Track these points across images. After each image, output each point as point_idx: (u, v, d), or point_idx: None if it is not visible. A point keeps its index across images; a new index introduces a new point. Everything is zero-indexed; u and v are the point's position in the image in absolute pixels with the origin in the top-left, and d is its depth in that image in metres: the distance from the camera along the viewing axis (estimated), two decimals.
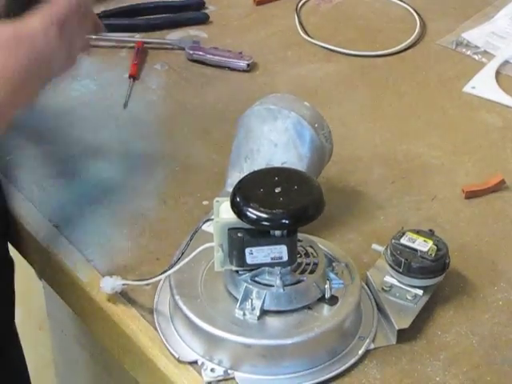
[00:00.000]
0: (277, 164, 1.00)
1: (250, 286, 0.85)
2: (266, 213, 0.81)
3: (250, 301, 0.85)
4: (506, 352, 0.89)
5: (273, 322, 0.86)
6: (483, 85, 1.32)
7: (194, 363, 0.87)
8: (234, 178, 1.00)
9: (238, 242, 0.83)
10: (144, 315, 0.94)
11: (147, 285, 0.94)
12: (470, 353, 0.89)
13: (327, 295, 0.87)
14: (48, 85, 0.92)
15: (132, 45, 1.41)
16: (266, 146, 1.02)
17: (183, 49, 1.39)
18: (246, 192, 0.84)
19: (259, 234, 0.82)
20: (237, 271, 0.87)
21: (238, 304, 0.86)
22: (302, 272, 0.87)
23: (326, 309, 0.87)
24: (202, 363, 0.87)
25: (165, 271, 0.91)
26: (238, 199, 0.83)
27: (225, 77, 1.35)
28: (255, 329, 0.85)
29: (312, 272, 0.86)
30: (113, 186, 1.12)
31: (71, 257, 1.02)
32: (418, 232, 0.94)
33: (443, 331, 0.91)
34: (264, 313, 0.86)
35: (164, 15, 1.50)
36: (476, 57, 1.39)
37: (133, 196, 1.11)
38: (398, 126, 1.24)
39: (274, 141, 1.01)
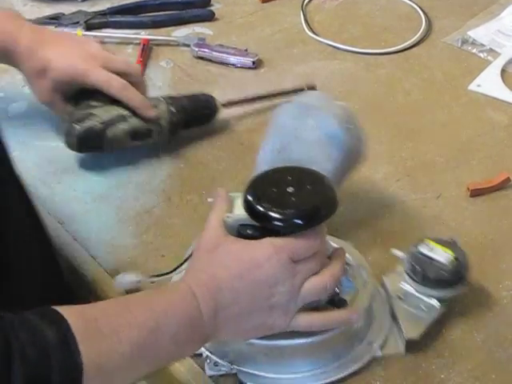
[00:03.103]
0: (305, 162, 0.96)
1: None
2: (278, 213, 0.80)
3: None
4: (510, 350, 0.89)
5: None
6: (489, 83, 1.31)
7: (198, 356, 0.87)
8: (259, 168, 0.98)
9: (247, 239, 0.82)
10: None
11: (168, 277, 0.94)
12: (474, 350, 0.89)
13: (336, 298, 0.86)
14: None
15: (137, 42, 1.41)
16: (296, 142, 0.99)
17: (189, 46, 1.39)
18: (259, 191, 0.83)
19: (269, 232, 0.81)
20: None
21: None
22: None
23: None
24: (207, 356, 0.86)
25: (178, 266, 0.91)
26: (249, 198, 0.82)
27: (230, 74, 1.35)
28: None
29: None
30: (118, 183, 1.12)
31: (76, 254, 1.02)
32: (438, 241, 0.91)
33: (448, 329, 0.91)
34: None
35: (169, 12, 1.50)
36: (482, 55, 1.39)
37: (138, 193, 1.11)
38: (404, 123, 1.24)
39: (304, 138, 0.99)
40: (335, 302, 0.86)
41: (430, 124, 1.24)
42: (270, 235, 0.81)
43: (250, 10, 1.53)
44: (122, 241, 1.04)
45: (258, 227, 0.82)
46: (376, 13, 1.52)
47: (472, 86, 1.31)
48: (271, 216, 0.80)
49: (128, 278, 0.95)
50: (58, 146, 1.18)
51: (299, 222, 0.80)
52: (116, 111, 1.13)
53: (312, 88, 1.28)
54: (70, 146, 1.13)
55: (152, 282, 0.94)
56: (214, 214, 0.85)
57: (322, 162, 0.97)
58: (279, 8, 1.54)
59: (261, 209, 0.81)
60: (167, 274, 0.93)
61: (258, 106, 1.25)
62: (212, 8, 1.52)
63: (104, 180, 1.12)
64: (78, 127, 1.11)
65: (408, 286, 0.91)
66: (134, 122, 1.13)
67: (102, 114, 1.13)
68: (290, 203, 0.81)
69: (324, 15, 1.51)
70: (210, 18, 1.50)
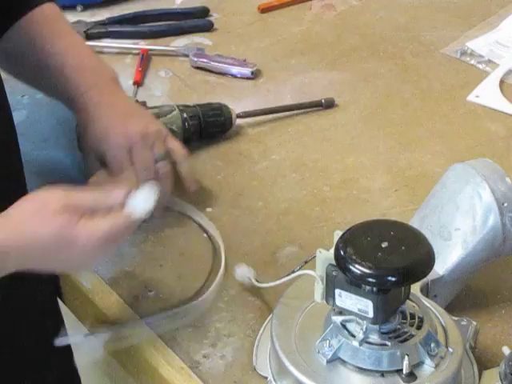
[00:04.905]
0: (450, 228, 0.93)
1: (335, 328, 0.82)
2: (358, 263, 0.77)
3: (328, 341, 0.81)
4: None
5: (341, 372, 0.81)
6: (487, 94, 1.32)
7: (265, 378, 0.86)
8: (414, 218, 0.98)
9: (331, 280, 0.81)
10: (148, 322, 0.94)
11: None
12: None
13: (404, 371, 0.79)
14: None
15: (136, 52, 1.41)
16: (449, 206, 0.95)
17: (187, 56, 1.40)
18: (351, 239, 0.80)
19: (351, 281, 0.79)
20: (335, 309, 0.83)
21: (319, 340, 0.82)
22: (395, 337, 0.81)
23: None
24: (269, 382, 0.85)
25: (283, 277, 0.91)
26: (340, 244, 0.80)
27: (229, 84, 1.35)
28: (319, 369, 0.81)
29: (403, 341, 0.80)
30: None
31: None
32: None
33: None
34: (338, 359, 0.81)
35: (168, 22, 1.51)
36: (480, 66, 1.39)
37: None
38: (402, 134, 1.24)
39: (457, 203, 0.94)
40: (403, 374, 0.80)
41: (428, 134, 1.24)
42: (351, 284, 0.79)
43: (248, 20, 1.53)
44: (120, 250, 1.03)
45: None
46: (374, 23, 1.52)
47: (470, 97, 1.31)
48: (348, 268, 0.77)
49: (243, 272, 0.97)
50: (57, 155, 1.18)
51: (374, 280, 0.77)
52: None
53: (330, 103, 1.29)
54: (82, 150, 1.14)
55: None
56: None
57: (467, 234, 0.92)
58: (278, 18, 1.54)
59: (345, 258, 0.78)
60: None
61: (258, 117, 1.26)
62: (211, 18, 1.52)
63: None
64: None
65: None
66: None
67: None
68: (376, 259, 0.77)
69: (322, 25, 1.52)
70: (208, 28, 1.50)
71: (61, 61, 1.06)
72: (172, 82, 1.35)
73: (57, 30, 1.09)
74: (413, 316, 0.83)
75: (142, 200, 0.86)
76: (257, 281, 0.96)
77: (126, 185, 0.89)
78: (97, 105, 1.04)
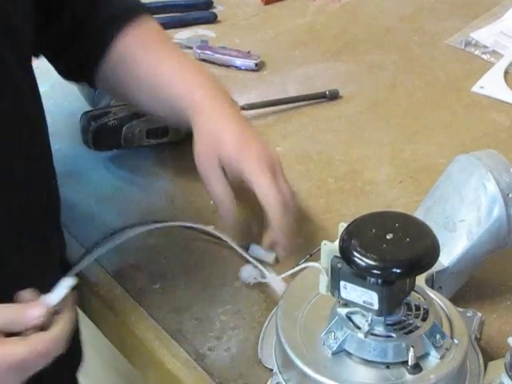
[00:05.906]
0: (455, 219, 0.93)
1: (340, 320, 0.82)
2: (362, 257, 0.76)
3: (333, 334, 0.81)
4: None
5: (346, 364, 0.81)
6: (492, 84, 1.31)
7: (270, 370, 0.86)
8: (418, 210, 0.98)
9: (335, 272, 0.80)
10: (152, 314, 0.94)
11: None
12: None
13: (410, 362, 0.79)
14: None
15: None
16: (454, 197, 0.95)
17: (191, 48, 1.40)
18: (356, 231, 0.79)
19: (356, 273, 0.79)
20: (340, 301, 0.83)
21: (324, 332, 0.82)
22: (400, 329, 0.80)
23: (405, 376, 0.79)
24: (275, 374, 0.85)
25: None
26: (344, 236, 0.79)
27: (233, 76, 1.35)
28: (324, 361, 0.80)
29: (408, 332, 0.80)
30: (121, 186, 1.12)
31: (78, 256, 1.02)
32: None
33: None
34: (343, 351, 0.81)
35: (172, 15, 1.51)
36: (485, 56, 1.39)
37: (141, 196, 1.11)
38: (406, 125, 1.24)
39: (462, 195, 0.94)
40: (408, 365, 0.79)
41: (432, 126, 1.24)
42: (356, 276, 0.79)
43: (252, 12, 1.53)
44: (125, 243, 1.03)
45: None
46: (378, 14, 1.52)
47: (475, 88, 1.31)
48: (352, 259, 0.77)
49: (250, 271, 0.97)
50: (60, 149, 1.18)
51: (379, 272, 0.76)
52: (133, 109, 1.15)
53: (334, 94, 1.29)
54: (86, 143, 1.15)
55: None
56: None
57: (472, 225, 0.92)
58: (281, 10, 1.54)
59: (350, 250, 0.77)
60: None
61: (262, 109, 1.26)
62: (214, 10, 1.52)
63: (107, 183, 1.12)
64: (93, 123, 1.13)
65: (505, 379, 0.82)
66: (151, 120, 1.14)
67: (119, 111, 1.15)
68: (381, 250, 0.77)
69: (326, 17, 1.51)
70: (212, 20, 1.50)
71: (170, 77, 1.01)
72: None
73: (161, 46, 1.04)
74: (418, 308, 0.83)
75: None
76: (262, 277, 0.96)
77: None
78: (220, 124, 0.98)
